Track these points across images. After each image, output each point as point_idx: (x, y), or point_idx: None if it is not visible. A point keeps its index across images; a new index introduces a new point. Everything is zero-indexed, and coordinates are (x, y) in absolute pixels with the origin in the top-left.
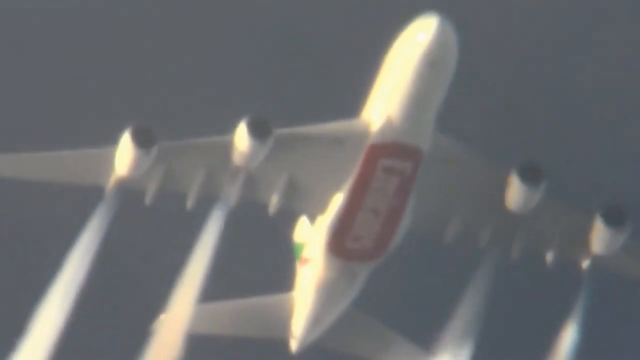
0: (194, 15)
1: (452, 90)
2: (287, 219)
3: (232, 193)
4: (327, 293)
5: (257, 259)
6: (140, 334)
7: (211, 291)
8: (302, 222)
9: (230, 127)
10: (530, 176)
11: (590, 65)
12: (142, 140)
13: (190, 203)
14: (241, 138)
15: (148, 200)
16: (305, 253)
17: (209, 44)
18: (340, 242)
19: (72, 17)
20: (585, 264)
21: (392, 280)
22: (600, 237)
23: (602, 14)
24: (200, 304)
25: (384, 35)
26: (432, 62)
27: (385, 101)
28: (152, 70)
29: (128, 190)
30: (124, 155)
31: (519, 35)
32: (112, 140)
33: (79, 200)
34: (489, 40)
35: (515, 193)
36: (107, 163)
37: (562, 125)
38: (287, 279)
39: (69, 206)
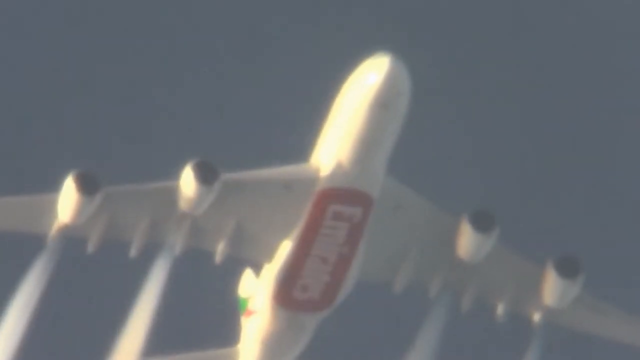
0: (137, 53)
1: (404, 133)
2: (233, 269)
3: (177, 241)
4: (274, 345)
5: (201, 310)
6: None
7: (153, 344)
8: (247, 275)
9: (176, 172)
10: (482, 224)
11: (551, 105)
12: (86, 186)
13: (133, 251)
14: (187, 182)
15: (90, 248)
16: (250, 305)
17: (155, 87)
18: (287, 292)
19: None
20: (537, 317)
21: (340, 331)
22: (552, 289)
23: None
24: (142, 358)
25: (333, 76)
26: (384, 103)
27: (335, 144)
28: (97, 112)
29: (70, 238)
30: (67, 202)
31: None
32: (54, 186)
33: (18, 249)
34: (444, 80)
35: (466, 241)
36: (49, 210)
37: (515, 171)
38: (232, 331)
39: (8, 255)
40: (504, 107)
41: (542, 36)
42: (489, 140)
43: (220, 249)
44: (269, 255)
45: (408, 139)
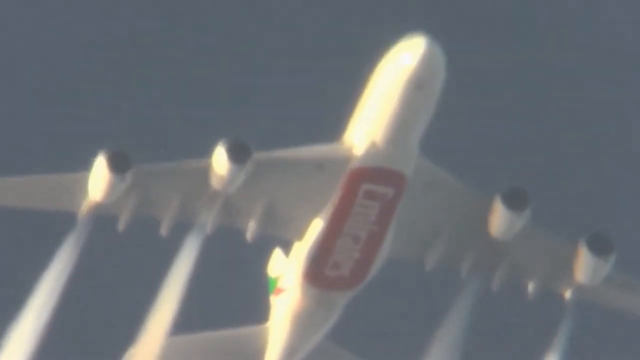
0: (172, 35)
1: (437, 114)
2: (263, 248)
3: (208, 219)
4: (303, 323)
5: (231, 289)
6: None
7: (182, 322)
8: (276, 255)
9: (208, 150)
10: (514, 202)
11: (581, 90)
12: (117, 165)
13: (164, 230)
14: (219, 161)
15: (121, 226)
16: (280, 283)
17: (187, 65)
18: (317, 270)
19: (43, 39)
20: (568, 295)
21: (368, 309)
22: (584, 266)
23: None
24: (170, 336)
25: (367, 56)
26: (419, 84)
27: (369, 124)
28: (128, 92)
29: (100, 216)
30: (98, 180)
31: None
32: (86, 165)
33: (49, 227)
34: (477, 64)
35: (498, 219)
36: (80, 188)
37: (548, 151)
38: (261, 310)
39: (39, 233)
40: (534, 86)
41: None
42: (518, 120)
43: (251, 227)
44: (299, 233)
45: (438, 119)
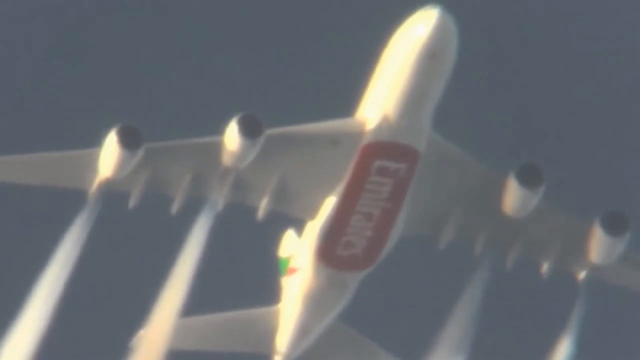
0: (183, 11)
1: (449, 90)
2: (275, 229)
3: (220, 196)
4: (315, 304)
5: (242, 270)
6: (119, 351)
7: (192, 302)
8: (288, 236)
9: (219, 128)
10: (528, 179)
11: (596, 65)
12: (128, 141)
13: (175, 207)
14: (231, 137)
15: (132, 203)
16: (292, 263)
17: (198, 41)
18: (330, 249)
19: (54, 14)
20: (582, 274)
21: (381, 289)
22: (598, 245)
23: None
24: (181, 318)
25: (381, 30)
26: (432, 54)
27: (382, 98)
28: (140, 69)
29: (111, 193)
30: (109, 156)
31: (520, 33)
32: (96, 142)
33: (61, 204)
34: (489, 38)
35: (512, 196)
36: (91, 165)
37: (562, 129)
38: (272, 291)
39: (50, 211)
40: (550, 61)
41: None
42: (533, 97)
43: (263, 205)
44: (312, 211)
45: (451, 96)
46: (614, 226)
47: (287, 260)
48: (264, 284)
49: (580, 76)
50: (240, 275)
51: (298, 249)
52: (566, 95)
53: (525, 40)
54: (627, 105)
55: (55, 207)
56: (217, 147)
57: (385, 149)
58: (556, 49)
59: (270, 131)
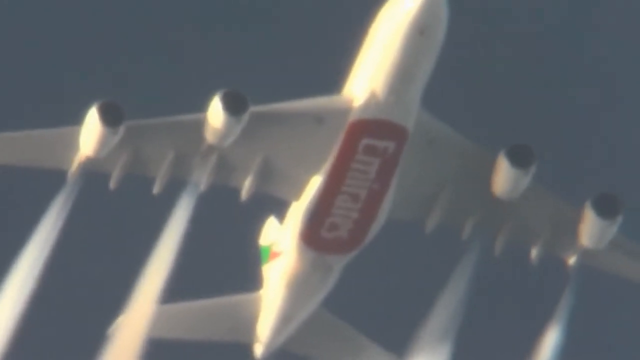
0: None
1: (438, 69)
2: (256, 215)
3: (202, 177)
4: (298, 289)
5: (224, 253)
6: (97, 338)
7: (172, 288)
8: (270, 223)
9: (202, 106)
10: (519, 158)
11: (588, 47)
12: (110, 117)
13: (157, 187)
14: (215, 113)
15: (112, 184)
16: (275, 247)
17: (180, 16)
18: (315, 231)
19: None
20: (572, 260)
21: (366, 275)
22: (590, 228)
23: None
24: (160, 304)
25: (367, 5)
26: (421, 29)
27: (370, 74)
28: (120, 45)
29: (91, 174)
30: (90, 133)
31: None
32: (75, 120)
33: (39, 184)
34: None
35: (503, 177)
36: (71, 143)
37: (552, 109)
38: (255, 276)
39: (28, 191)
40: (540, 40)
41: None
42: (524, 75)
43: (247, 185)
44: (297, 191)
45: (441, 74)
46: (605, 209)
47: (268, 248)
48: (246, 269)
49: (575, 55)
50: (221, 260)
51: (280, 234)
52: (560, 73)
53: (517, 18)
54: (621, 87)
55: (34, 187)
56: (201, 124)
57: (372, 127)
58: (549, 27)
59: (254, 108)
